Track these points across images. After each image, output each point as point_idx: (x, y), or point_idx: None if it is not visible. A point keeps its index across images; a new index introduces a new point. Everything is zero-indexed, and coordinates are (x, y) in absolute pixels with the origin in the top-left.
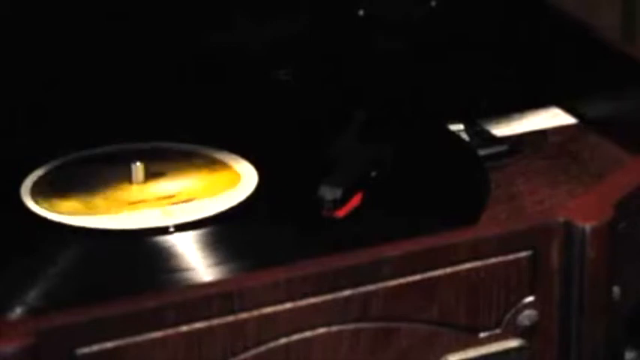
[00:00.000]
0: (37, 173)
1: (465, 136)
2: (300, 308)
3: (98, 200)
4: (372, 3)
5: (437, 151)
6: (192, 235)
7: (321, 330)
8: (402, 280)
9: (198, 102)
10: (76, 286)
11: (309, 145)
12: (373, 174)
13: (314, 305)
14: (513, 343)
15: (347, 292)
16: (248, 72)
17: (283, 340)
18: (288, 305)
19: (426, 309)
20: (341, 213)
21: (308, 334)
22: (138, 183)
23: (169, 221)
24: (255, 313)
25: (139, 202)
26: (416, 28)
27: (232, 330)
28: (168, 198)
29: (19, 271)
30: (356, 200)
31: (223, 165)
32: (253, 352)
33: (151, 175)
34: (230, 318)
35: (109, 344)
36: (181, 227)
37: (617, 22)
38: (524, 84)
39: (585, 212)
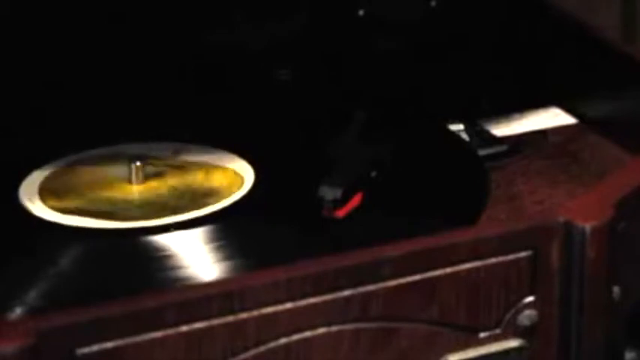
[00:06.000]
0: (37, 173)
1: (465, 136)
2: (300, 308)
3: (98, 200)
4: (372, 3)
5: (437, 151)
6: (192, 235)
7: (321, 330)
8: (402, 280)
9: (198, 102)
10: (76, 286)
11: (308, 145)
12: (373, 174)
13: (314, 305)
14: (513, 343)
15: (347, 292)
16: (248, 72)
17: (283, 340)
18: (288, 305)
19: (426, 309)
20: (341, 213)
21: (308, 334)
22: (137, 183)
23: (169, 220)
24: (255, 313)
25: (139, 201)
26: (416, 28)
27: (232, 330)
28: (169, 197)
29: (19, 271)
30: (356, 200)
31: (223, 165)
32: (253, 352)
33: (150, 175)
34: (230, 318)
35: (109, 344)
36: (181, 226)
37: (617, 23)
38: (524, 84)
39: (585, 212)
